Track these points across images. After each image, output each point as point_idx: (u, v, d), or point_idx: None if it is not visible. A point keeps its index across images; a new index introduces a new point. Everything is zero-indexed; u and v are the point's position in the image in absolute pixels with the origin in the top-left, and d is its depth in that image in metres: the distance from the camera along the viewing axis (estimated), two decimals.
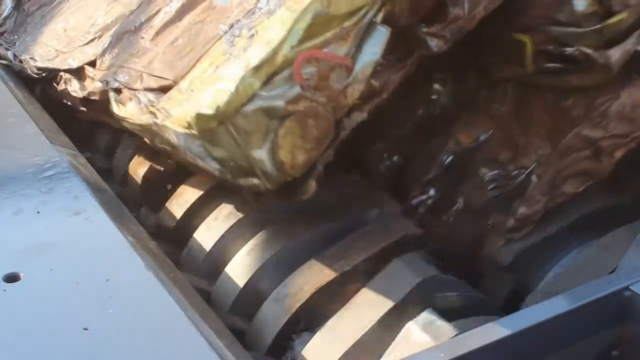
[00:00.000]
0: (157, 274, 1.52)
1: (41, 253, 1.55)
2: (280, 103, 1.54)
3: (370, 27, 1.62)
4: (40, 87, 2.33)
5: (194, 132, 1.57)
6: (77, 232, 1.64)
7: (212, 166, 1.65)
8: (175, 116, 1.63)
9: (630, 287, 1.47)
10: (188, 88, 1.68)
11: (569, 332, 1.46)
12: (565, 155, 1.80)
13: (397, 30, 1.64)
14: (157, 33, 1.95)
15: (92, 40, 2.11)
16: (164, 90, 1.74)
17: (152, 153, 2.02)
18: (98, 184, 1.91)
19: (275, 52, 1.54)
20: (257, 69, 1.53)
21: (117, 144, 2.29)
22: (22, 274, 1.49)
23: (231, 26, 1.75)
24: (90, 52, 2.07)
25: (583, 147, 1.78)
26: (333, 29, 1.58)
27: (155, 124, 1.70)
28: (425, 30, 1.69)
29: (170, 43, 1.87)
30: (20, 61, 2.33)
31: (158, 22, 1.98)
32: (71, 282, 1.49)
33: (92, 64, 2.03)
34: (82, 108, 2.12)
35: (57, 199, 1.72)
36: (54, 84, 2.20)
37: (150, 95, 1.74)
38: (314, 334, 1.64)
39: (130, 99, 1.79)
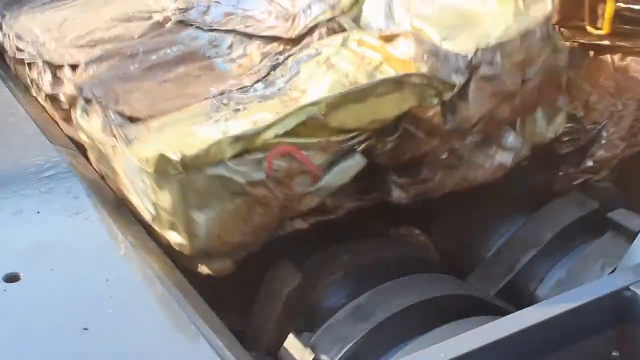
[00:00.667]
0: (157, 274, 1.52)
1: (41, 253, 1.55)
2: (240, 180, 1.54)
3: (350, 151, 1.63)
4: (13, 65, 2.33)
5: (148, 169, 1.55)
6: (77, 232, 1.64)
7: (147, 207, 1.63)
8: (136, 147, 1.61)
9: (630, 287, 1.47)
10: (157, 129, 1.66)
11: (569, 332, 1.45)
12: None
13: (368, 165, 1.66)
14: (150, 68, 1.93)
15: (82, 47, 2.10)
16: (133, 120, 1.73)
17: None
18: (98, 184, 1.90)
19: (258, 133, 1.54)
20: (235, 139, 1.53)
21: None
22: (22, 274, 1.49)
23: (222, 93, 1.76)
24: (77, 57, 2.05)
25: None
26: (318, 137, 1.59)
27: (113, 146, 1.68)
28: (393, 178, 1.72)
29: (158, 83, 1.86)
30: (4, 34, 2.32)
31: (155, 58, 1.97)
32: (71, 282, 1.49)
33: (73, 67, 2.01)
34: (42, 101, 2.11)
35: (57, 199, 1.72)
36: (26, 68, 2.19)
37: (118, 119, 1.73)
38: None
39: (97, 113, 1.78)
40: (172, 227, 1.59)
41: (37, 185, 1.75)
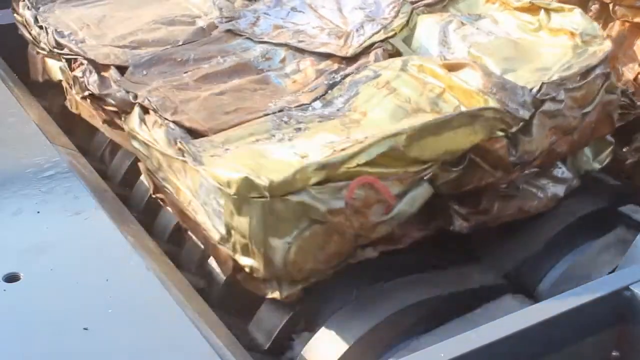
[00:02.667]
0: (157, 274, 1.52)
1: (41, 253, 1.55)
2: (321, 208, 1.53)
3: (419, 182, 1.64)
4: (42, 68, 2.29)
5: (230, 191, 1.52)
6: (77, 232, 1.64)
7: (217, 229, 1.60)
8: (214, 169, 1.58)
9: (630, 287, 1.47)
10: (222, 144, 1.65)
11: (569, 332, 1.46)
12: None
13: (432, 195, 1.67)
14: (204, 78, 1.92)
15: (125, 47, 2.07)
16: (192, 133, 1.71)
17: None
18: (98, 184, 1.91)
19: (342, 161, 1.54)
20: (320, 167, 1.52)
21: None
22: (22, 274, 1.49)
23: (281, 110, 1.76)
24: (123, 57, 2.02)
25: None
26: (396, 167, 1.59)
27: (183, 162, 1.66)
28: (455, 207, 1.74)
29: (215, 94, 1.84)
30: (40, 27, 2.25)
31: (207, 67, 1.96)
32: (71, 282, 1.49)
33: (120, 69, 1.98)
34: (83, 101, 2.07)
35: (57, 199, 1.72)
36: (61, 65, 2.14)
37: (178, 131, 1.72)
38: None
39: (160, 125, 1.75)
40: (245, 250, 1.57)
41: (37, 185, 1.75)
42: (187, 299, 1.53)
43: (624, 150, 2.03)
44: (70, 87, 2.12)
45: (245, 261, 1.58)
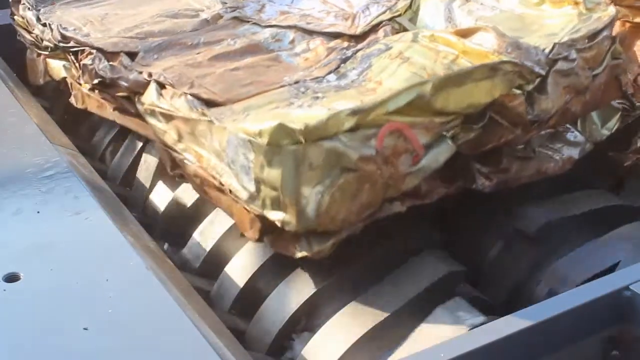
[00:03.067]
0: (157, 274, 1.52)
1: (41, 253, 1.55)
2: (353, 155, 1.53)
3: (442, 139, 1.66)
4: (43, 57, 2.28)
5: (262, 140, 1.52)
6: (77, 232, 1.64)
7: (246, 186, 1.60)
8: (242, 124, 1.58)
9: (630, 287, 1.47)
10: (243, 111, 1.65)
11: (569, 332, 1.46)
12: None
13: (454, 153, 1.70)
14: (217, 56, 1.93)
15: (132, 38, 2.07)
16: (211, 104, 1.72)
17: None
18: (98, 184, 1.91)
19: (373, 108, 1.55)
20: (352, 112, 1.53)
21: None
22: (22, 274, 1.49)
23: (297, 82, 1.77)
24: (131, 45, 2.02)
25: None
26: (423, 117, 1.61)
27: (209, 121, 1.66)
28: (478, 167, 1.76)
29: (230, 70, 1.85)
30: (44, 24, 2.26)
31: (219, 48, 1.97)
32: (71, 282, 1.49)
33: (131, 55, 1.98)
34: (90, 92, 2.07)
35: (57, 199, 1.72)
36: (75, 58, 2.13)
37: (197, 102, 1.72)
38: (314, 334, 1.64)
39: (179, 95, 1.76)
40: (275, 204, 1.56)
41: (37, 185, 1.75)
42: (187, 299, 1.53)
43: (623, 153, 2.03)
44: (77, 81, 2.12)
45: (275, 215, 1.57)
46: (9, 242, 1.60)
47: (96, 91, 2.04)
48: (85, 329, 1.37)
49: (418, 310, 1.62)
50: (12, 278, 1.48)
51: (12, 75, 2.42)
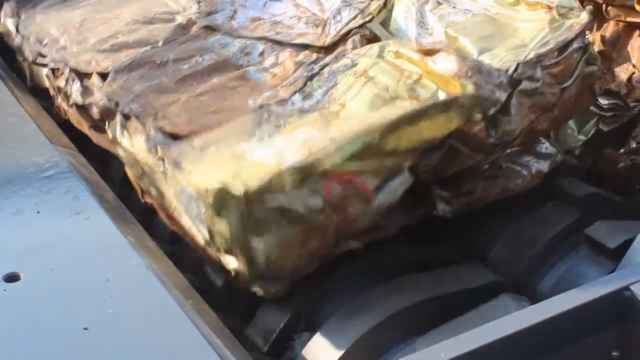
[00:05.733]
0: (157, 274, 1.52)
1: (41, 253, 1.55)
2: (300, 209, 1.54)
3: (399, 170, 1.65)
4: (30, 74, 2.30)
5: (208, 200, 1.54)
6: (77, 232, 1.64)
7: (201, 231, 1.62)
8: (192, 177, 1.60)
9: (630, 287, 1.47)
10: (202, 148, 1.65)
11: (569, 332, 1.45)
12: None
13: (414, 181, 1.68)
14: (183, 79, 1.92)
15: (106, 52, 2.08)
16: (174, 137, 1.72)
17: None
18: (98, 184, 1.90)
19: (317, 162, 1.55)
20: (296, 170, 1.53)
21: None
22: (22, 274, 1.49)
23: (261, 107, 1.75)
24: (104, 64, 2.03)
25: None
26: (372, 162, 1.60)
27: (163, 171, 1.68)
28: (437, 192, 1.74)
29: (195, 95, 1.85)
30: (22, 36, 2.27)
31: (187, 68, 1.96)
32: (71, 282, 1.49)
33: (102, 76, 1.99)
34: (69, 110, 2.09)
35: (57, 199, 1.72)
36: (46, 74, 2.16)
37: (160, 137, 1.72)
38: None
39: (140, 132, 1.76)
40: (229, 252, 1.59)
41: (37, 185, 1.75)
42: (187, 299, 1.53)
43: (614, 153, 2.02)
44: (57, 95, 2.14)
45: (230, 263, 1.59)
46: (9, 242, 1.60)
47: (74, 107, 2.05)
48: (85, 329, 1.37)
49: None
50: (12, 278, 1.48)
51: (12, 75, 2.42)
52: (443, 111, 1.64)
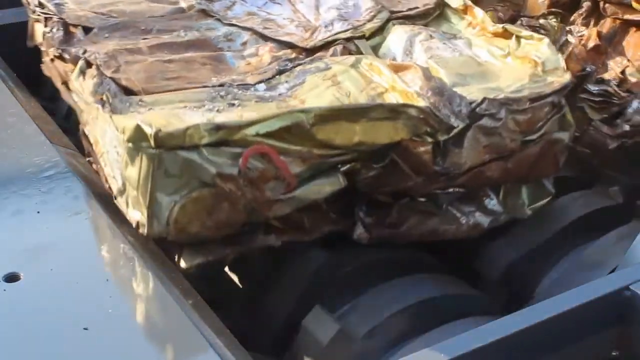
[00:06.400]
0: (157, 274, 1.52)
1: (41, 253, 1.55)
2: (212, 170, 1.52)
3: (332, 170, 1.63)
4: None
5: (123, 137, 1.53)
6: (77, 232, 1.64)
7: (116, 179, 1.62)
8: (118, 117, 1.59)
9: (630, 287, 1.47)
10: (150, 104, 1.65)
11: (569, 332, 1.46)
12: None
13: (349, 191, 1.65)
14: (160, 46, 1.92)
15: (102, 14, 2.08)
16: (127, 92, 1.71)
17: None
18: (98, 184, 1.90)
19: (239, 126, 1.53)
20: (215, 128, 1.52)
21: None
22: (22, 274, 1.49)
23: (222, 85, 1.74)
24: (93, 21, 2.03)
25: None
26: (301, 146, 1.58)
27: (97, 108, 1.67)
28: (361, 215, 1.71)
29: (163, 61, 1.85)
30: None
31: (167, 37, 1.96)
32: (71, 282, 1.49)
33: (87, 30, 2.00)
34: (50, 63, 2.08)
35: (57, 199, 1.72)
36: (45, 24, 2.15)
37: (113, 86, 1.71)
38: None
39: (93, 77, 1.76)
40: (135, 204, 1.57)
41: (37, 185, 1.75)
42: (187, 299, 1.53)
43: (608, 136, 2.03)
44: (46, 49, 2.14)
45: (134, 215, 1.58)
46: (9, 242, 1.60)
47: (54, 62, 2.05)
48: (85, 329, 1.37)
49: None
50: (12, 278, 1.48)
51: (12, 75, 2.42)
52: (388, 118, 1.62)
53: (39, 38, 2.26)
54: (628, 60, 2.06)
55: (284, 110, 1.57)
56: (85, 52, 1.85)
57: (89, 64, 1.82)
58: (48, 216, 1.67)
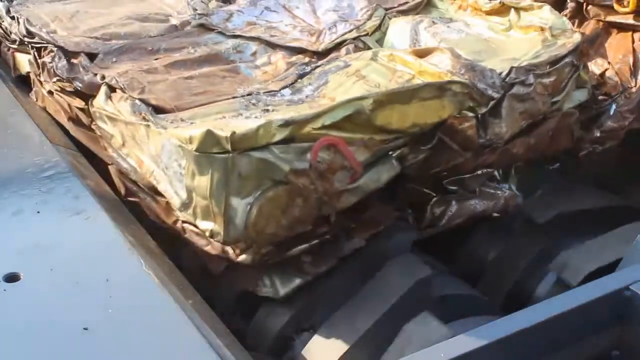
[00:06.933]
0: (157, 274, 1.52)
1: (41, 253, 1.55)
2: (285, 167, 1.52)
3: (386, 157, 1.65)
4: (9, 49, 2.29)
5: (191, 147, 1.52)
6: (77, 232, 1.64)
7: (179, 194, 1.60)
8: (176, 130, 1.59)
9: (630, 287, 1.47)
10: (188, 119, 1.65)
11: (569, 332, 1.46)
12: None
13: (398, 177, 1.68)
14: (174, 64, 1.93)
15: (97, 38, 2.08)
16: (159, 110, 1.71)
17: None
18: (98, 184, 1.91)
19: (306, 120, 1.54)
20: (284, 124, 1.52)
21: None
22: (22, 274, 1.49)
23: (249, 94, 1.76)
24: (93, 46, 2.03)
25: None
26: (362, 134, 1.60)
27: (147, 126, 1.67)
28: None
29: (184, 78, 1.85)
30: (12, 17, 2.27)
31: (178, 56, 1.97)
32: (71, 282, 1.49)
33: (91, 57, 1.99)
34: (49, 96, 2.08)
35: (57, 199, 1.72)
36: (37, 54, 2.14)
37: (144, 107, 1.71)
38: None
39: (125, 99, 1.76)
40: (205, 214, 1.56)
41: (37, 185, 1.75)
42: (187, 299, 1.53)
43: (580, 142, 2.03)
44: (38, 78, 2.13)
45: (205, 225, 1.57)
46: (9, 242, 1.60)
47: (54, 95, 2.04)
48: (85, 329, 1.37)
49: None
50: (12, 278, 1.48)
51: (12, 76, 2.41)
52: (436, 97, 1.65)
53: (24, 68, 2.25)
54: (609, 62, 2.07)
55: (345, 100, 1.58)
56: (103, 77, 1.85)
57: (111, 89, 1.82)
58: (48, 216, 1.67)
